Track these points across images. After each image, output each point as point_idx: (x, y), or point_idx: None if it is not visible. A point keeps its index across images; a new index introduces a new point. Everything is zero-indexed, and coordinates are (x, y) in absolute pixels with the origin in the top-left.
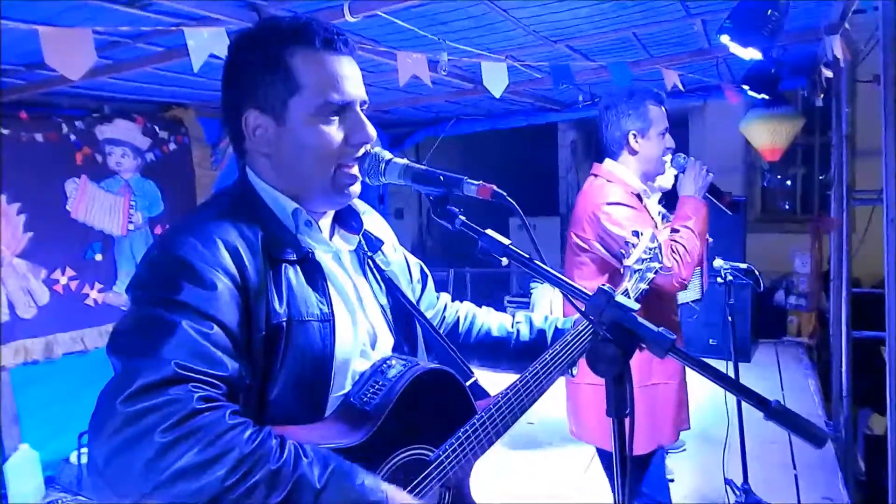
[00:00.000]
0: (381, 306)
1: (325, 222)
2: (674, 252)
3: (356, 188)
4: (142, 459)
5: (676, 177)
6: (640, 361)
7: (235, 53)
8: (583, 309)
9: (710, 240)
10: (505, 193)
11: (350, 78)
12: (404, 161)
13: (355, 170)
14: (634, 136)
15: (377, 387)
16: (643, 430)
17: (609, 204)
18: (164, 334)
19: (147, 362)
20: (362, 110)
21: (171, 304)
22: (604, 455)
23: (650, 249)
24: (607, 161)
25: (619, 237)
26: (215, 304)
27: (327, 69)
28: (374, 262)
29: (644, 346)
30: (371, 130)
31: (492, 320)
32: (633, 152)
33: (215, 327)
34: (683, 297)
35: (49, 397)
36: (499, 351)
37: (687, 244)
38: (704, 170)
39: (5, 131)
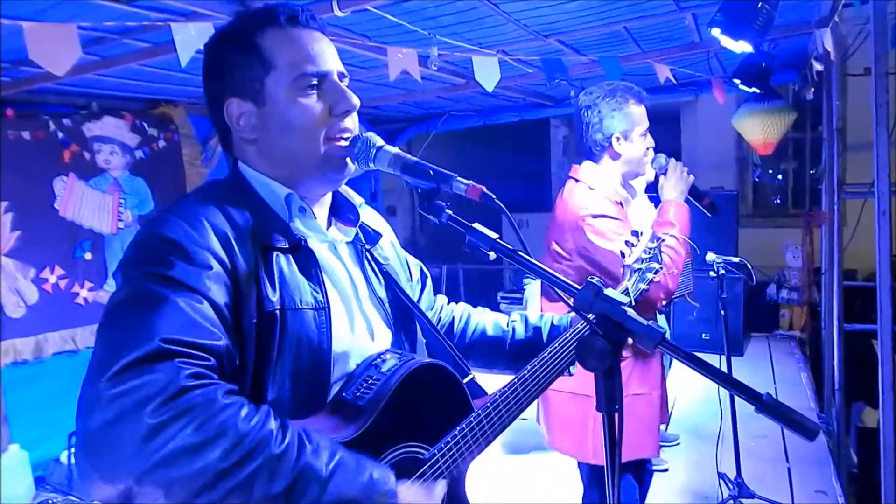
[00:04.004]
0: (380, 300)
1: (322, 212)
2: (669, 258)
3: (350, 164)
4: (131, 441)
5: (656, 178)
6: (628, 371)
7: (210, 50)
8: (571, 303)
9: (697, 250)
10: (494, 196)
11: (322, 50)
12: (395, 150)
13: (346, 143)
14: (618, 138)
15: (371, 381)
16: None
17: (594, 216)
18: (153, 308)
19: (133, 338)
20: (343, 83)
21: (162, 279)
22: (582, 466)
23: (650, 249)
24: (587, 164)
25: (605, 250)
26: (206, 281)
27: (297, 43)
28: (371, 255)
29: (634, 339)
30: (354, 99)
31: (487, 320)
32: (616, 155)
33: (205, 302)
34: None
35: (39, 397)
36: (494, 350)
37: (672, 253)
38: (685, 171)
39: None
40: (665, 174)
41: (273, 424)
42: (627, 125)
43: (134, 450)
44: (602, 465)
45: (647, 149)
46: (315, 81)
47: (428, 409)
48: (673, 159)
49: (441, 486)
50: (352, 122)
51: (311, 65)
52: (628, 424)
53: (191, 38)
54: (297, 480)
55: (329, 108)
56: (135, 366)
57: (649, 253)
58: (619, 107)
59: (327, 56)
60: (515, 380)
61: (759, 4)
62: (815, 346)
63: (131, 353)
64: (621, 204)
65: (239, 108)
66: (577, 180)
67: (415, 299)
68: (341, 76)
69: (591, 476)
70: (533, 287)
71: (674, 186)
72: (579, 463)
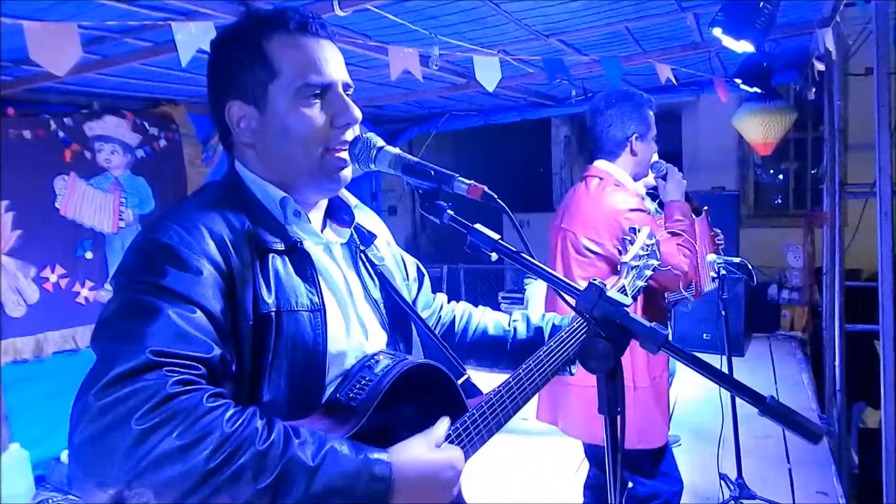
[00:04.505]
0: (374, 301)
1: (317, 215)
2: (683, 256)
3: (347, 173)
4: (120, 448)
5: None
6: (646, 356)
7: (216, 48)
8: (573, 304)
9: (721, 238)
10: (495, 195)
11: (329, 60)
12: (396, 150)
13: (344, 154)
14: (637, 137)
15: (364, 382)
16: (660, 423)
17: (632, 210)
18: (145, 319)
19: (123, 350)
20: (347, 94)
21: (154, 288)
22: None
23: (647, 246)
24: (603, 162)
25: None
26: (199, 289)
27: (304, 51)
28: (366, 256)
29: (637, 341)
30: (356, 112)
31: (488, 319)
32: (634, 153)
33: (198, 311)
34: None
35: (39, 396)
36: (496, 350)
37: (690, 244)
38: (681, 175)
39: None
40: (665, 178)
41: (258, 423)
42: (644, 127)
43: (123, 456)
44: (639, 448)
45: (654, 153)
46: (318, 91)
47: (421, 409)
48: (671, 164)
49: (458, 452)
50: (352, 135)
51: (316, 75)
52: (660, 406)
53: (191, 38)
54: (284, 473)
55: (331, 120)
56: (124, 377)
57: (647, 250)
58: (639, 109)
59: (333, 66)
60: (511, 379)
61: (761, 4)
62: (816, 346)
63: (121, 365)
64: (642, 199)
65: (240, 111)
66: (601, 178)
67: (411, 298)
68: (346, 87)
69: (650, 458)
70: (534, 287)
71: (676, 188)
72: (590, 449)
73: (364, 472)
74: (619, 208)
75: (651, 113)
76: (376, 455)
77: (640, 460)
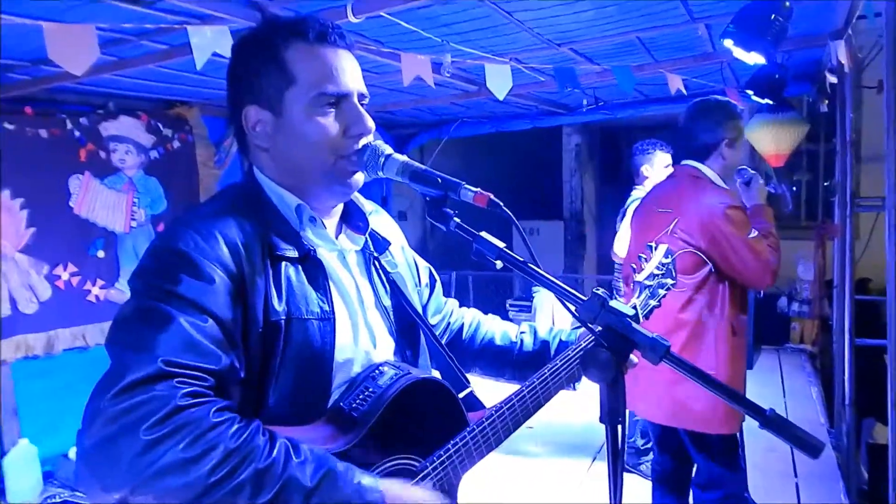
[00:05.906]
0: (385, 308)
1: (332, 221)
2: (774, 254)
3: (359, 177)
4: (127, 455)
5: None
6: (729, 348)
7: (236, 52)
8: (576, 313)
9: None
10: (501, 203)
11: (346, 70)
12: (404, 158)
13: (356, 162)
14: (728, 143)
15: (367, 393)
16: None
17: (729, 208)
18: (157, 327)
19: (137, 357)
20: (362, 105)
21: (168, 295)
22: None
23: (663, 265)
24: (694, 163)
25: (741, 238)
26: (212, 297)
27: (321, 61)
28: (380, 263)
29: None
30: (369, 122)
31: (496, 328)
32: (724, 158)
33: (210, 320)
34: None
35: (49, 392)
36: (502, 360)
37: (775, 242)
38: (763, 181)
39: (10, 126)
40: (748, 184)
41: (260, 440)
42: (736, 134)
43: (129, 463)
44: (732, 433)
45: (741, 159)
46: (333, 101)
47: (422, 422)
48: (756, 172)
49: (441, 496)
50: (365, 143)
51: (332, 84)
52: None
53: (207, 41)
54: (281, 492)
55: (344, 130)
56: (136, 386)
57: (662, 269)
58: (734, 116)
59: (349, 76)
60: (513, 396)
61: (773, 17)
62: (826, 360)
63: (134, 373)
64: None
65: (256, 115)
66: (697, 177)
67: (422, 303)
68: (361, 97)
69: (723, 445)
70: (542, 295)
71: (759, 193)
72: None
73: (357, 499)
74: (718, 206)
75: (741, 122)
76: (369, 483)
77: (725, 446)
